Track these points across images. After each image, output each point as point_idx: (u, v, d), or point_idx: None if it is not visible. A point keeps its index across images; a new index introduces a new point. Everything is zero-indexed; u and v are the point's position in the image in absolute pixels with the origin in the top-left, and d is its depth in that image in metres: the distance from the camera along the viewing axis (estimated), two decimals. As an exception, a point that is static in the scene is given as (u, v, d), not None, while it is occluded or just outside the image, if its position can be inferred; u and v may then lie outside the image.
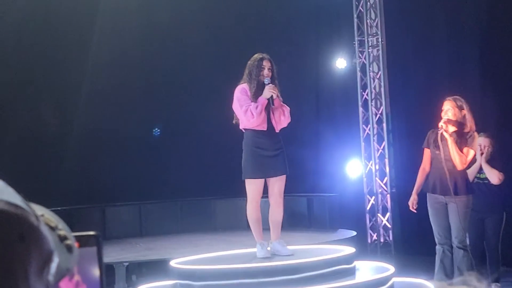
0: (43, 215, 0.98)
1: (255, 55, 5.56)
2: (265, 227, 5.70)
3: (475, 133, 5.78)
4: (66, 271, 0.97)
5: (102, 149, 9.72)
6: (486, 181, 6.22)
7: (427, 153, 5.87)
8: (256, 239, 5.48)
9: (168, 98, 10.14)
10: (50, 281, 0.92)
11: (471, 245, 6.20)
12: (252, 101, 5.27)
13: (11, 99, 9.24)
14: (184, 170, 9.90)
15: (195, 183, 9.88)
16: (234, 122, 5.58)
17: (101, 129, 9.67)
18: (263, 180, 5.38)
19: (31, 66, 9.34)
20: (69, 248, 0.99)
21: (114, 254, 7.47)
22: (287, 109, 5.41)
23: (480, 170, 6.28)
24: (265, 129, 5.34)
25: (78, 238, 1.07)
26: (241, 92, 5.35)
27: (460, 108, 5.76)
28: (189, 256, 5.93)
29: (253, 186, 5.37)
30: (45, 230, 0.93)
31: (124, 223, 9.46)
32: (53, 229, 0.99)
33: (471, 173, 6.19)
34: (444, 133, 5.61)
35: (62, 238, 1.00)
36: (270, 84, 5.32)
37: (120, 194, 9.54)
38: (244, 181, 5.46)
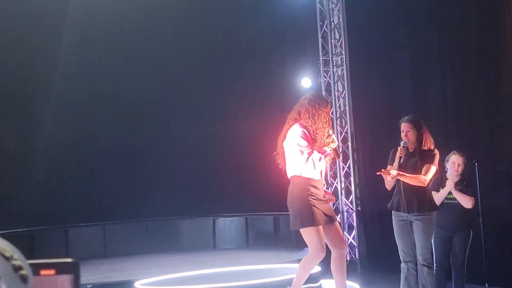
0: None
1: (318, 95, 5.30)
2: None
3: (436, 150, 5.86)
4: None
5: (65, 169, 9.59)
6: (455, 201, 6.29)
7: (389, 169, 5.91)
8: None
9: (131, 117, 10.07)
10: None
11: (438, 262, 6.25)
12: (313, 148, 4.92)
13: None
14: (149, 190, 9.82)
15: (160, 203, 9.81)
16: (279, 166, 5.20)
17: (64, 149, 9.55)
18: None
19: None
20: (24, 279, 0.97)
21: (77, 275, 7.32)
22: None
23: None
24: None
25: (54, 265, 1.05)
26: (304, 136, 4.95)
27: (418, 128, 5.83)
28: (154, 277, 5.87)
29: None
30: None
31: (88, 244, 9.33)
32: (7, 259, 0.96)
33: (440, 196, 6.24)
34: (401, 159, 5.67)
35: (17, 268, 0.97)
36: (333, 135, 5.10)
37: (83, 214, 9.41)
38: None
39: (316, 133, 4.95)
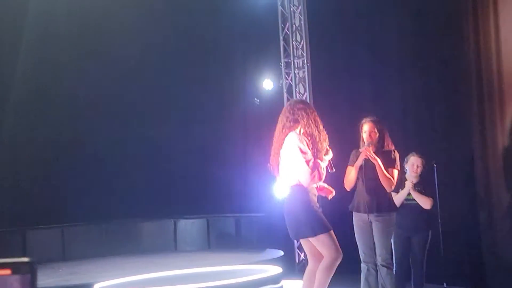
0: None
1: (303, 101, 5.34)
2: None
3: (396, 152, 5.92)
4: None
5: (22, 171, 9.42)
6: (414, 201, 6.37)
7: (349, 170, 5.96)
8: None
9: (92, 118, 9.95)
10: None
11: (397, 262, 6.33)
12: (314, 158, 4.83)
13: None
14: (109, 192, 9.71)
15: (120, 205, 9.71)
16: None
17: (22, 150, 9.39)
18: None
19: None
20: None
21: (35, 279, 7.20)
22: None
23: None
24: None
25: (10, 265, 1.02)
26: (304, 144, 4.85)
27: (379, 129, 5.89)
28: (113, 280, 5.80)
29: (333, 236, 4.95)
30: None
31: (46, 247, 9.17)
32: None
33: (400, 197, 6.32)
34: (370, 158, 5.70)
35: None
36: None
37: (42, 217, 9.26)
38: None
39: (320, 140, 4.89)
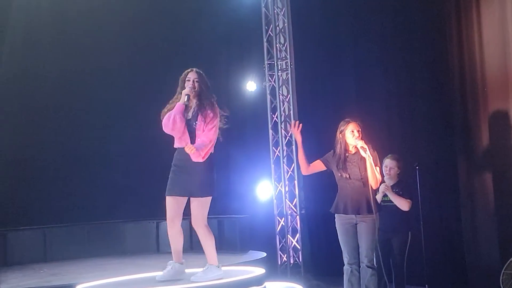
0: None
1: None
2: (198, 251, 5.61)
3: (375, 151, 5.94)
4: None
5: (4, 172, 9.33)
6: (392, 203, 6.40)
7: (317, 163, 6.01)
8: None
9: (75, 119, 9.90)
10: None
11: (378, 264, 6.35)
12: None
13: None
14: (91, 193, 9.66)
15: (102, 206, 9.66)
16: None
17: (4, 151, 9.31)
18: None
19: None
20: None
21: (15, 280, 7.15)
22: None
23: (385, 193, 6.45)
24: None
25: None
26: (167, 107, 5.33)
27: (362, 129, 5.93)
28: (95, 281, 5.76)
29: (167, 203, 5.26)
30: None
31: (28, 248, 9.11)
32: None
33: (378, 198, 6.35)
34: (365, 155, 5.71)
35: None
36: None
37: (23, 217, 9.19)
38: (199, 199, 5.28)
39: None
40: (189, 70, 5.44)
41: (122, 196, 9.71)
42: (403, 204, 6.33)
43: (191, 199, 5.26)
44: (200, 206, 5.27)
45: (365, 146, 5.71)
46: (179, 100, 5.27)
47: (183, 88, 5.33)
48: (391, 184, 6.46)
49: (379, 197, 6.37)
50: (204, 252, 5.39)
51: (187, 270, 5.44)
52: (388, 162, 6.50)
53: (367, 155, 5.68)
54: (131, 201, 9.82)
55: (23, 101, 9.54)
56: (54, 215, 9.38)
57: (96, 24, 9.71)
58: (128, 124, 10.17)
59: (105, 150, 9.90)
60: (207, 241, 5.32)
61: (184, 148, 5.11)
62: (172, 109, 5.24)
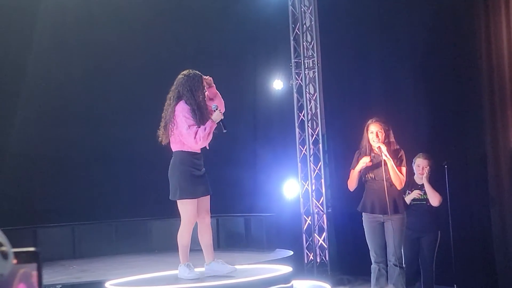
0: None
1: (190, 71, 5.60)
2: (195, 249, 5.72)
3: (402, 151, 5.92)
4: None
5: (34, 169, 9.46)
6: (423, 202, 6.37)
7: (351, 174, 6.00)
8: (182, 261, 5.59)
9: (102, 118, 9.98)
10: None
11: (407, 263, 6.32)
12: (197, 123, 5.33)
13: None
14: (119, 191, 9.74)
15: (130, 204, 9.73)
16: (162, 143, 5.59)
17: (34, 149, 9.43)
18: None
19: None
20: (4, 255, 0.97)
21: (46, 276, 7.24)
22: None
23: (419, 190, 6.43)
24: (200, 150, 5.43)
25: (16, 254, 1.04)
26: (188, 112, 5.36)
27: (386, 129, 5.90)
28: (124, 277, 5.83)
29: (190, 207, 5.36)
30: None
31: (57, 244, 9.20)
32: None
33: (408, 199, 6.32)
34: (384, 157, 5.71)
35: None
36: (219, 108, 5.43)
37: (52, 215, 9.29)
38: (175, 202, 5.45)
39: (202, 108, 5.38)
40: (198, 73, 5.57)
41: (149, 194, 9.77)
42: (435, 198, 6.30)
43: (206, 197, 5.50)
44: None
45: (382, 147, 5.69)
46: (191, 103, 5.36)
47: (201, 93, 5.45)
48: (420, 184, 6.43)
49: (408, 198, 6.34)
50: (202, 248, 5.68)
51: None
52: (419, 161, 6.47)
53: (387, 157, 5.67)
54: (158, 199, 9.87)
55: (52, 100, 9.64)
56: (83, 212, 9.47)
57: (121, 24, 9.77)
58: (154, 122, 10.20)
59: (132, 148, 9.97)
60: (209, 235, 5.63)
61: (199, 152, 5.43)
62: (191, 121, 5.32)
